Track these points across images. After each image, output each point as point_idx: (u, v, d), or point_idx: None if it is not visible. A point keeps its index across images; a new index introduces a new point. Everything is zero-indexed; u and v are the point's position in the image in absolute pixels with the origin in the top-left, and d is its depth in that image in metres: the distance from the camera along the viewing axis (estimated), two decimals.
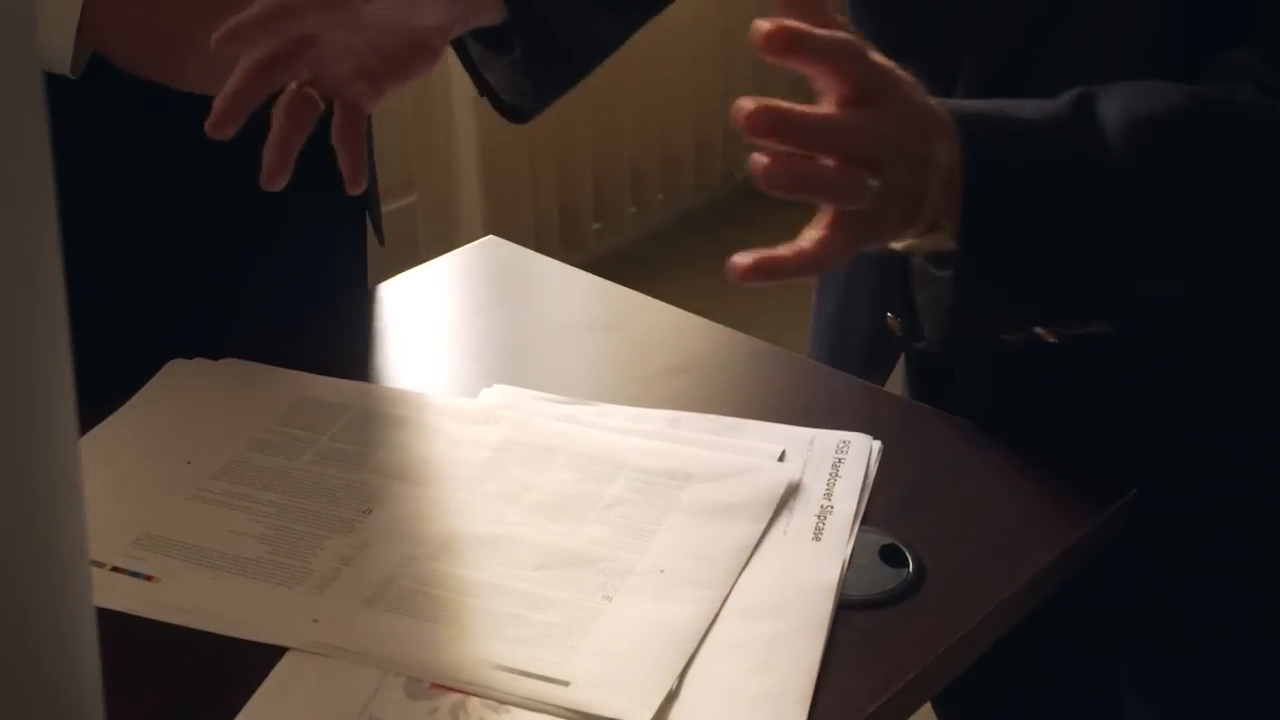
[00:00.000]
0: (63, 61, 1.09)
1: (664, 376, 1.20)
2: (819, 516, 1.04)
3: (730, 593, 0.97)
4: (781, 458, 1.10)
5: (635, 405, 1.16)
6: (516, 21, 1.04)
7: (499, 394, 1.17)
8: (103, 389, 1.13)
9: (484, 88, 1.14)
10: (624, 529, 1.03)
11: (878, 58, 0.82)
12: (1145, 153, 0.86)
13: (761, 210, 3.63)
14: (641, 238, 3.33)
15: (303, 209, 1.33)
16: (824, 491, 1.06)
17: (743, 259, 0.80)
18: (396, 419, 1.14)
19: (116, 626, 0.95)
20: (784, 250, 0.80)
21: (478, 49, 1.13)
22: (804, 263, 0.80)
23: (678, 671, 0.91)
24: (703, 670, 0.91)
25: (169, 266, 1.28)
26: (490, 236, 1.42)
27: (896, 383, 1.25)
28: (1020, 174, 0.85)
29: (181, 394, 1.17)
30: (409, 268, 1.36)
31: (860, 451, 1.10)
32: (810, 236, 0.81)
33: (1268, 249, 0.92)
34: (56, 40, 1.08)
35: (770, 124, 0.77)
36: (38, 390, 0.49)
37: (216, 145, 1.22)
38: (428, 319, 1.31)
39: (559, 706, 0.89)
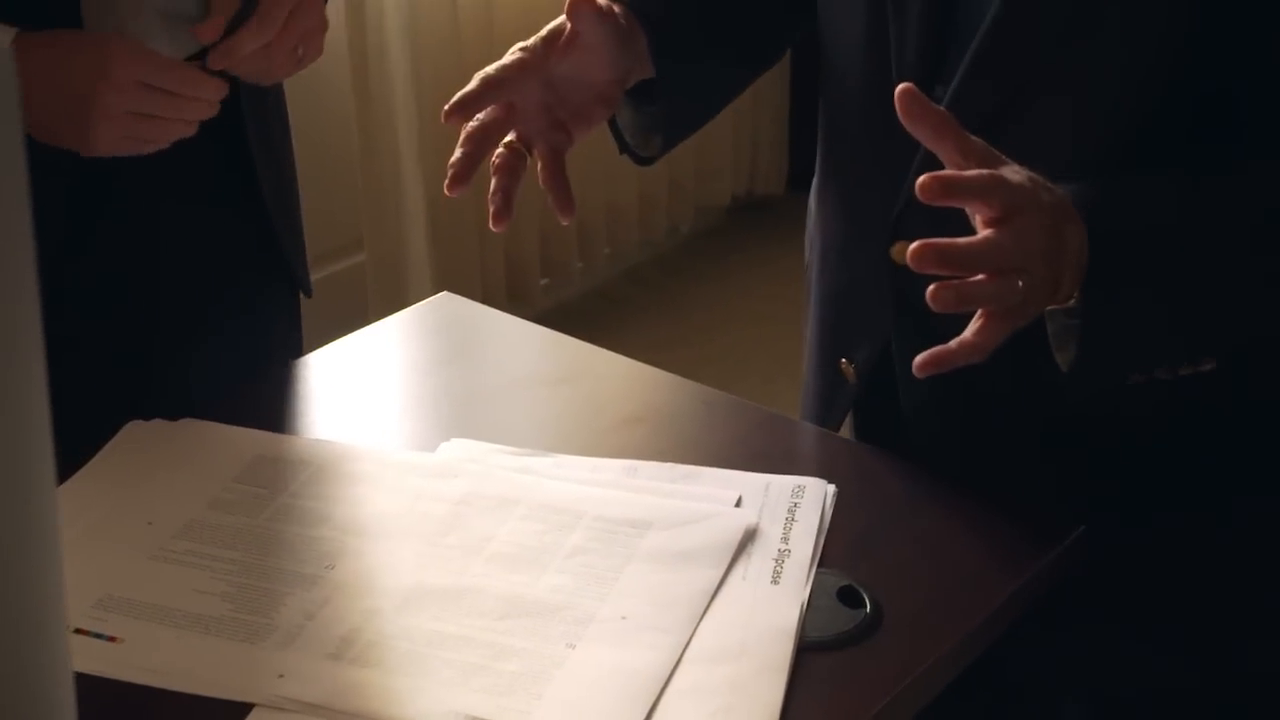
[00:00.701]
0: None
1: (620, 427, 1.22)
2: (777, 560, 1.06)
3: (692, 637, 0.98)
4: (738, 503, 1.12)
5: (592, 455, 1.17)
6: (663, 81, 1.18)
7: (457, 448, 1.18)
8: (60, 451, 1.13)
9: (615, 133, 1.24)
10: (585, 577, 1.04)
11: (1013, 176, 0.93)
12: (1227, 209, 1.00)
13: (703, 263, 3.69)
14: (588, 292, 3.35)
15: (234, 280, 1.36)
16: (781, 535, 1.08)
17: (922, 358, 0.93)
18: (355, 475, 1.15)
19: (81, 689, 0.95)
20: (952, 345, 0.92)
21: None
22: (969, 352, 0.92)
23: (642, 716, 0.92)
24: (666, 714, 0.93)
25: (108, 339, 1.29)
26: (444, 293, 1.43)
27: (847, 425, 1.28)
28: (1133, 238, 0.98)
29: (141, 454, 1.17)
30: (359, 326, 1.37)
31: (815, 496, 1.12)
32: (973, 329, 0.92)
33: None
34: None
35: (934, 259, 0.89)
36: (19, 454, 0.50)
37: (149, 219, 1.25)
38: (382, 376, 1.32)
39: None
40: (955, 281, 0.90)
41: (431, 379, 1.31)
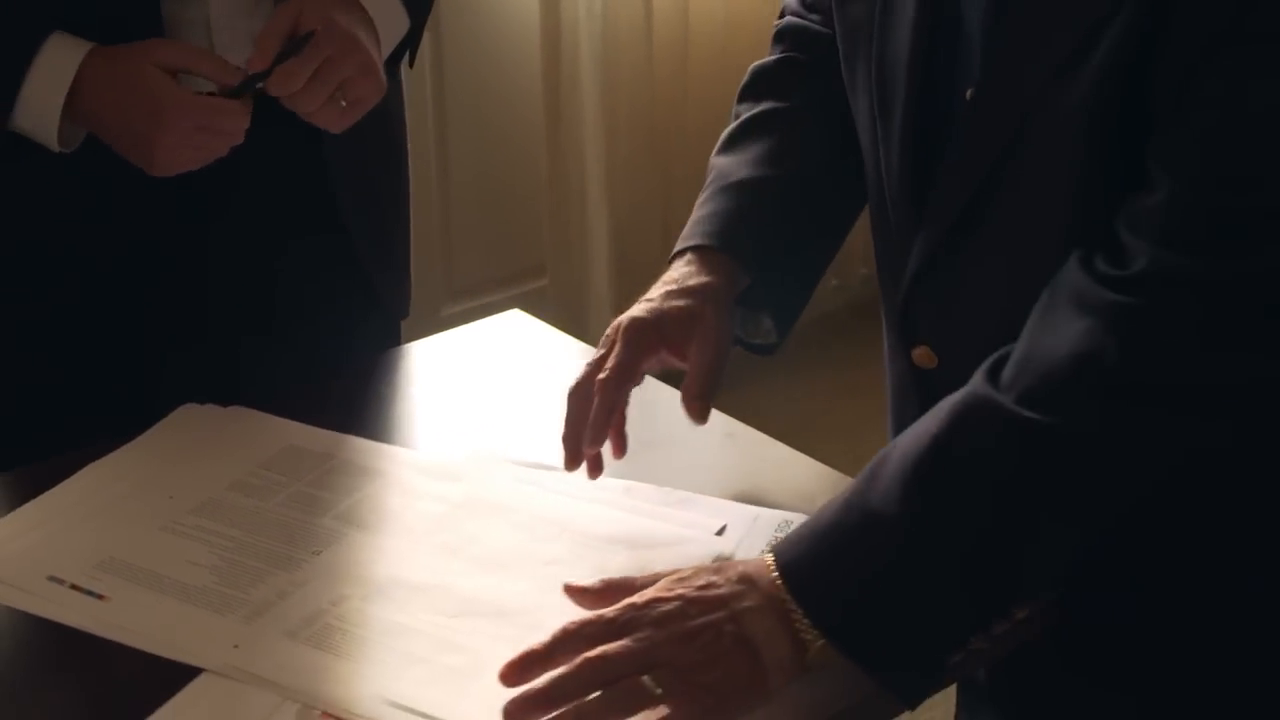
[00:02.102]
0: (49, 138, 1.23)
1: (636, 450, 1.24)
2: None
3: None
4: (721, 532, 1.14)
5: (605, 476, 1.20)
6: (764, 289, 1.22)
7: (473, 455, 1.23)
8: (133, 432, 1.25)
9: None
10: (549, 588, 1.07)
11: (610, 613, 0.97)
12: (919, 501, 0.95)
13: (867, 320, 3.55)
14: None
15: (317, 298, 1.44)
16: None
17: None
18: (370, 470, 1.21)
19: (64, 639, 1.03)
20: None
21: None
22: None
23: None
24: None
25: (183, 325, 1.39)
26: (515, 310, 1.49)
27: None
28: (826, 559, 0.96)
29: (184, 434, 1.26)
30: None
31: None
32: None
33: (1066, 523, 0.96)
34: (42, 120, 1.22)
35: (536, 706, 0.93)
36: None
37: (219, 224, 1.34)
38: (436, 382, 1.38)
39: None
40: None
41: (478, 390, 1.36)
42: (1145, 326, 0.91)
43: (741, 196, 1.20)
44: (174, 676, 0.99)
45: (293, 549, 1.11)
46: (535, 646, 0.95)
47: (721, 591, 0.97)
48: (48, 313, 1.34)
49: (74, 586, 1.07)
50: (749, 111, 1.25)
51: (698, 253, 1.19)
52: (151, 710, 0.96)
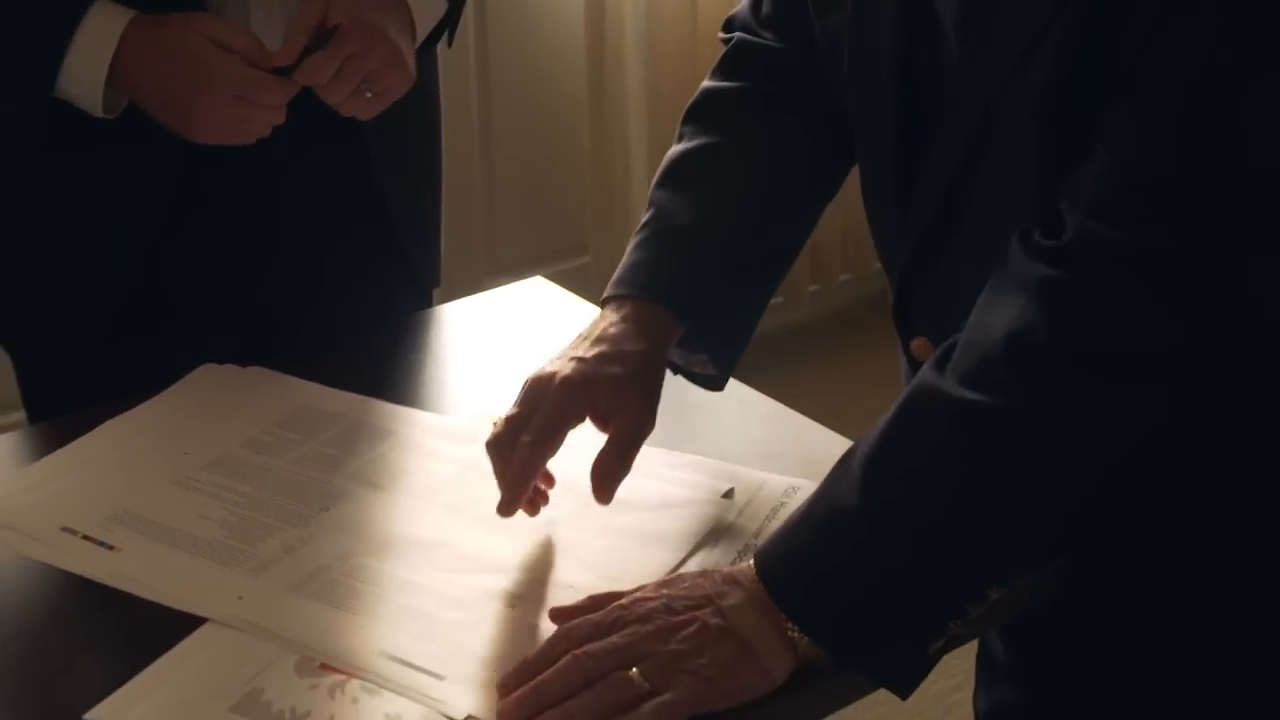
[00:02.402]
0: (93, 104, 1.25)
1: None
2: (740, 554, 1.07)
3: None
4: (728, 495, 1.14)
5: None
6: (705, 341, 1.19)
7: (484, 417, 1.23)
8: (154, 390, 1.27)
9: (674, 368, 1.23)
10: (551, 545, 1.08)
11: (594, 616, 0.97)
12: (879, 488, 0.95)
13: None
14: (822, 315, 3.36)
15: (351, 266, 1.45)
16: (755, 530, 1.09)
17: None
18: (384, 431, 1.22)
19: (73, 587, 1.05)
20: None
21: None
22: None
23: None
24: None
25: (225, 294, 1.41)
26: (537, 277, 1.50)
27: None
28: (796, 554, 0.96)
29: (203, 393, 1.28)
30: None
31: (805, 498, 1.12)
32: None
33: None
34: (86, 86, 1.24)
35: (529, 708, 0.93)
36: None
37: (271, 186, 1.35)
38: (461, 347, 1.39)
39: (427, 696, 0.94)
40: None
41: (498, 354, 1.37)
42: (1070, 297, 0.90)
43: (680, 245, 1.17)
44: (179, 626, 1.01)
45: (302, 505, 1.13)
46: (529, 657, 0.96)
47: (706, 590, 0.98)
48: (107, 279, 1.37)
49: (86, 537, 1.09)
50: (693, 141, 1.21)
51: (634, 304, 1.15)
52: (154, 656, 0.98)
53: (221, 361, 1.32)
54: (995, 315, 0.93)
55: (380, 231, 1.46)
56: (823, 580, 0.95)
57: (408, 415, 1.25)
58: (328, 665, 0.97)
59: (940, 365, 0.95)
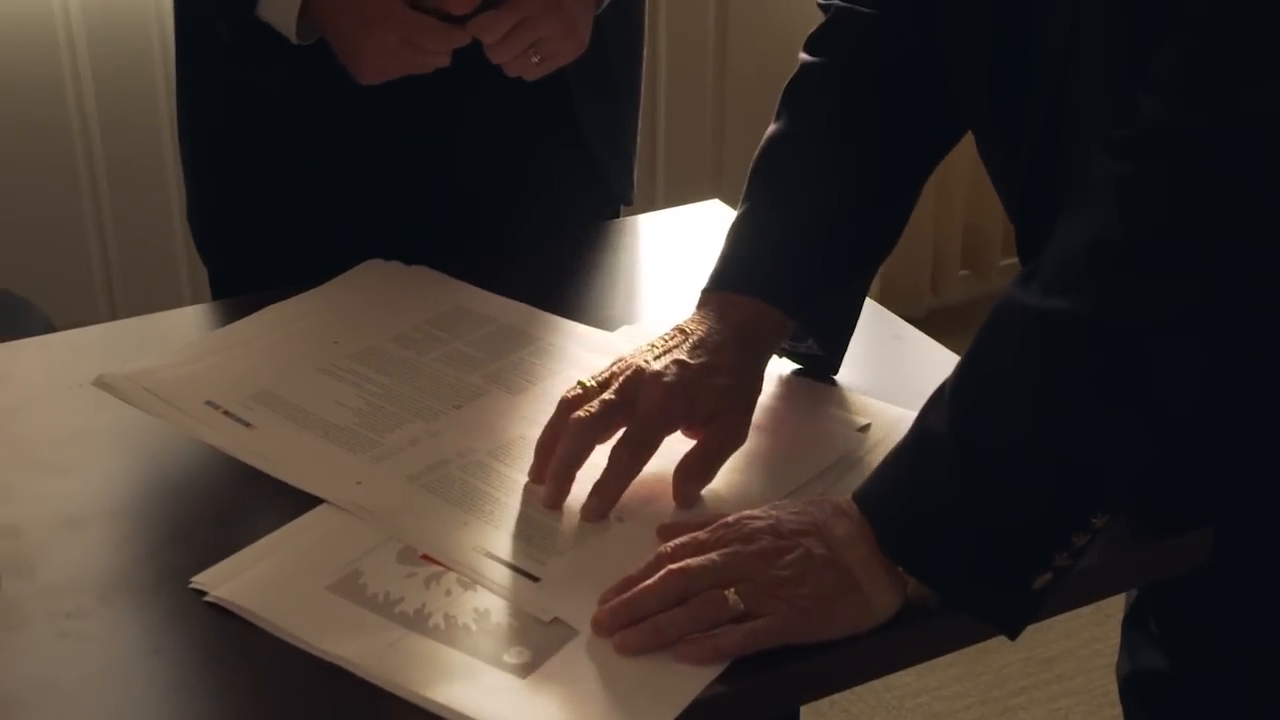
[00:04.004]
0: (289, 30, 1.28)
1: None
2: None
3: None
4: (864, 429, 1.10)
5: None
6: (812, 329, 1.15)
7: (629, 333, 1.23)
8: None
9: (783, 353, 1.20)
10: (670, 465, 1.06)
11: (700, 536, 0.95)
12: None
13: None
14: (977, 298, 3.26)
15: (549, 184, 1.45)
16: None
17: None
18: (530, 337, 1.22)
19: (211, 458, 1.09)
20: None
21: None
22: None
23: None
24: None
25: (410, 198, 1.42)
26: (715, 199, 1.47)
27: None
28: (892, 488, 0.94)
29: (364, 287, 1.30)
30: None
31: None
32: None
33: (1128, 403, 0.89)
34: (283, 13, 1.27)
35: (622, 617, 0.91)
36: None
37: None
38: (631, 262, 1.38)
39: (519, 595, 0.94)
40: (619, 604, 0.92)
41: (669, 273, 1.35)
42: (1151, 189, 0.84)
43: (786, 238, 1.12)
44: (299, 504, 1.03)
45: (436, 401, 1.14)
46: (633, 573, 0.94)
47: (816, 517, 0.94)
48: (291, 179, 1.40)
49: (227, 413, 1.12)
50: (792, 124, 1.16)
51: (742, 304, 1.10)
52: (268, 530, 1.00)
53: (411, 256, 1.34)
54: (1074, 221, 0.88)
55: (574, 147, 1.46)
56: (918, 515, 0.91)
57: (556, 323, 1.24)
58: (428, 556, 0.98)
59: (1024, 280, 0.90)
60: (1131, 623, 1.19)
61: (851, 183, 1.15)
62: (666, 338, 1.09)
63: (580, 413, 1.04)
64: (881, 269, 1.21)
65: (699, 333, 1.09)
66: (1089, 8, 0.92)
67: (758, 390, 1.10)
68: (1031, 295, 0.90)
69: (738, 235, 1.15)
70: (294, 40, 1.29)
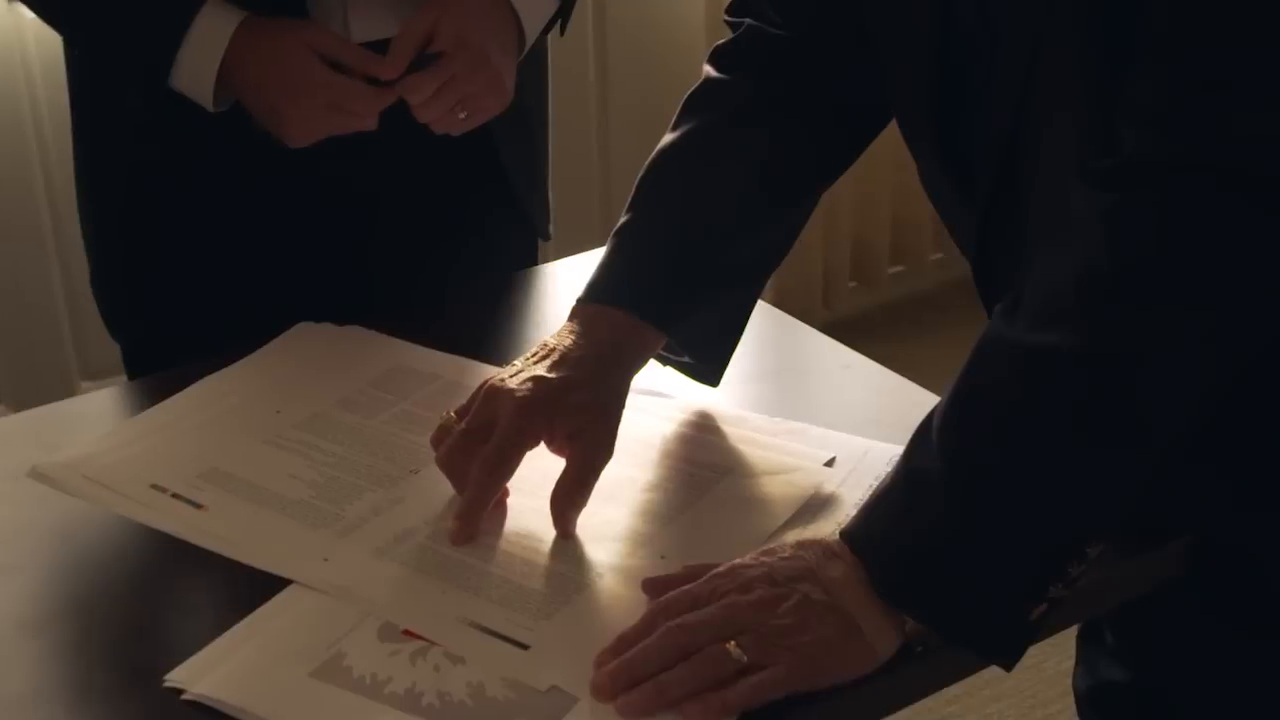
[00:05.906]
0: (205, 99, 1.25)
1: (758, 377, 1.21)
2: (841, 524, 1.02)
3: None
4: (830, 464, 1.10)
5: (718, 403, 1.17)
6: (686, 345, 1.14)
7: None
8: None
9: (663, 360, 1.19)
10: (645, 514, 1.04)
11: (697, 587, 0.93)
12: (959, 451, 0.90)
13: None
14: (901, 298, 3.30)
15: (465, 215, 1.42)
16: (856, 501, 1.05)
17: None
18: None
19: (163, 544, 1.04)
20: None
21: None
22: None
23: None
24: None
25: (331, 259, 1.39)
26: None
27: None
28: (881, 524, 0.92)
29: (297, 352, 1.26)
30: None
31: None
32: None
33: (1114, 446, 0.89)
34: (199, 83, 1.24)
35: (622, 681, 0.89)
36: None
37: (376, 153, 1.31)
38: (564, 304, 1.35)
39: (510, 666, 0.91)
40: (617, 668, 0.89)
41: None
42: (1134, 220, 0.85)
43: (661, 251, 1.11)
44: (265, 587, 0.99)
45: (392, 467, 1.10)
46: (626, 630, 0.92)
47: (808, 561, 0.93)
48: (223, 230, 1.36)
49: (175, 495, 1.07)
50: (686, 136, 1.14)
51: (610, 315, 1.09)
52: (238, 616, 0.96)
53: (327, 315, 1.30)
54: (1058, 254, 0.88)
55: (499, 190, 1.43)
56: (911, 552, 0.90)
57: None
58: (411, 631, 0.94)
59: (1008, 314, 0.90)
60: (1086, 638, 1.20)
61: (736, 201, 1.14)
62: (531, 353, 1.09)
63: (441, 451, 1.05)
64: (771, 283, 1.20)
65: (563, 347, 1.08)
66: (1048, 37, 0.92)
67: (620, 405, 1.08)
68: (1018, 329, 0.89)
69: (614, 247, 1.14)
70: (211, 109, 1.25)
